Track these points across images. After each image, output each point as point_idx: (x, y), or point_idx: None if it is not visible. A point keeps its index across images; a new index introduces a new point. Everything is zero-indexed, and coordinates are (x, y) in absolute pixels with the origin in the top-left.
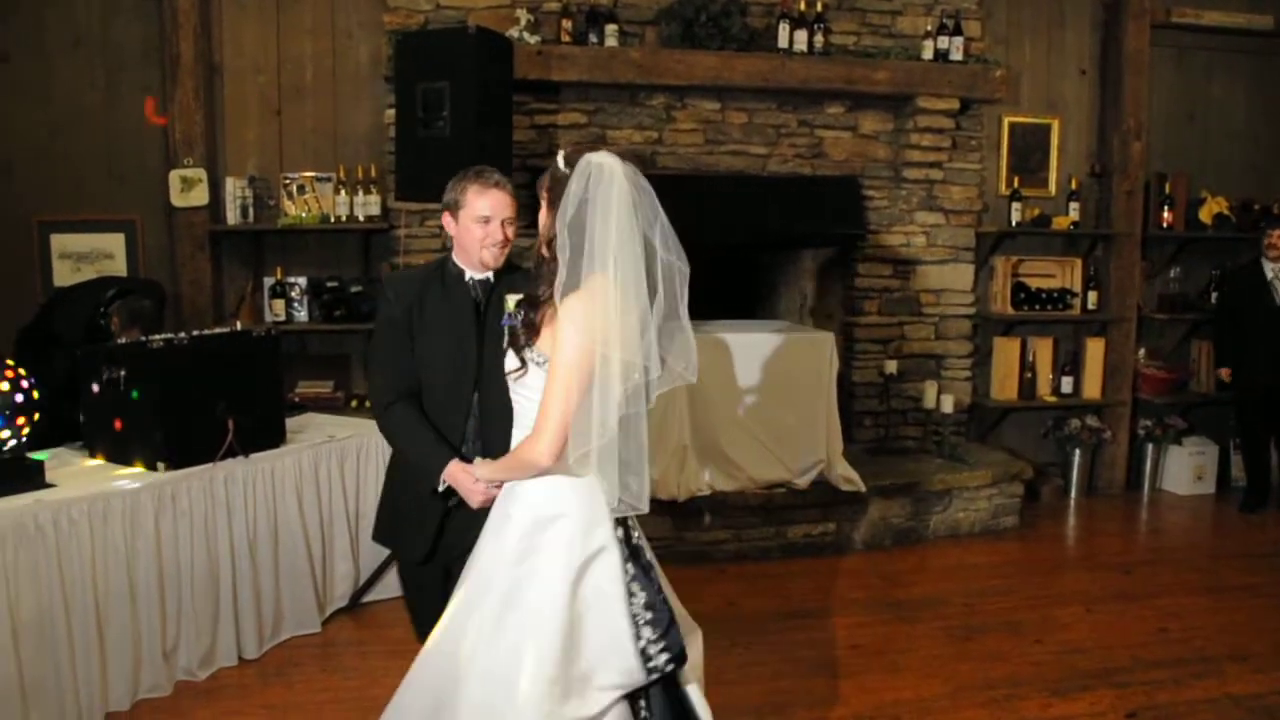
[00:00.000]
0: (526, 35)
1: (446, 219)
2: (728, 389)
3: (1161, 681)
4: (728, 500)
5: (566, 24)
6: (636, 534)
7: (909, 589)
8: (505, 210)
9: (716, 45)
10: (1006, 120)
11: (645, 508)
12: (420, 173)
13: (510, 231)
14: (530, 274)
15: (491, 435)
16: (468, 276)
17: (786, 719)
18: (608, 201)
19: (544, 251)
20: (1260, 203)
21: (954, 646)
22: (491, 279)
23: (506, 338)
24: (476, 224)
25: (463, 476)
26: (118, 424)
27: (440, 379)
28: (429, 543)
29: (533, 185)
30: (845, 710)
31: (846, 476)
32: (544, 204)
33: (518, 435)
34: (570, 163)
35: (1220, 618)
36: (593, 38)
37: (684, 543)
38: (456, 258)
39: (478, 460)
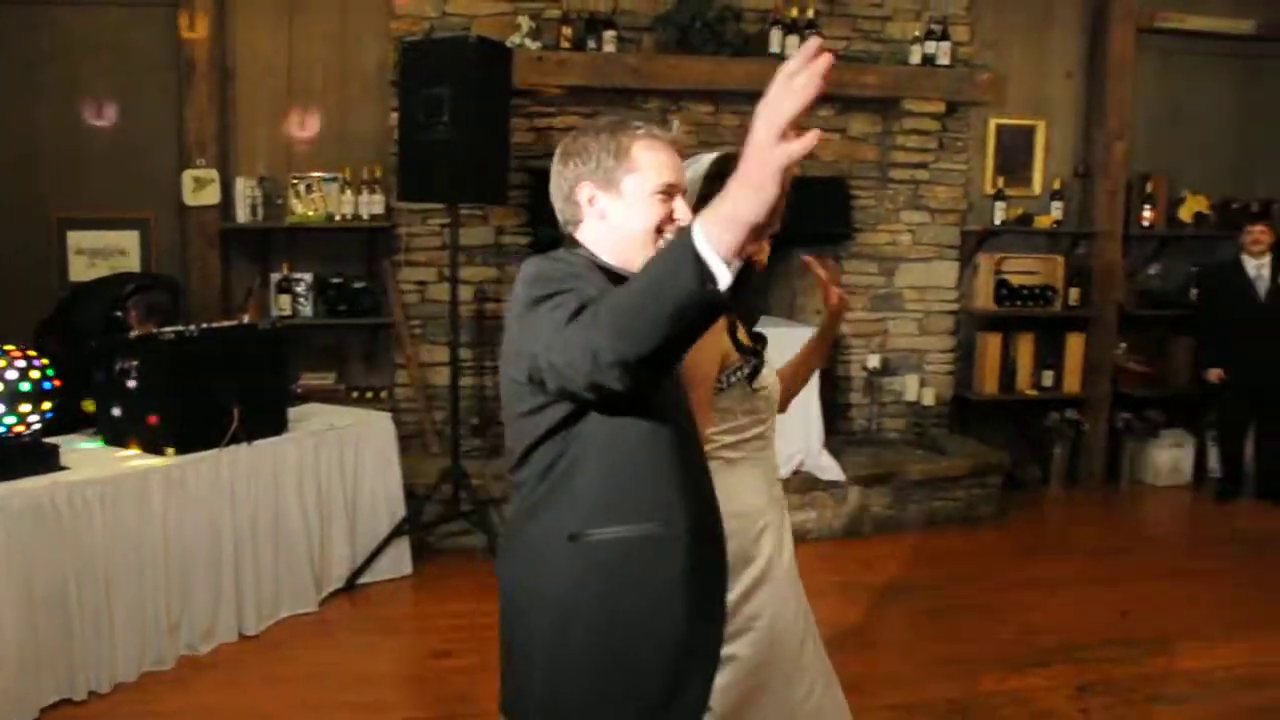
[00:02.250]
0: (527, 42)
1: (586, 194)
2: None
3: (1117, 659)
4: None
5: (566, 31)
6: None
7: (884, 574)
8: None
9: (711, 50)
10: (993, 122)
11: None
12: (421, 174)
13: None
14: None
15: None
16: None
17: None
18: None
19: None
20: (1239, 201)
21: (924, 627)
22: None
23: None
24: (657, 199)
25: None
26: (129, 412)
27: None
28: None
29: (535, 186)
30: None
31: (826, 466)
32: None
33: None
34: None
35: (1181, 600)
36: (591, 44)
37: None
38: (613, 260)
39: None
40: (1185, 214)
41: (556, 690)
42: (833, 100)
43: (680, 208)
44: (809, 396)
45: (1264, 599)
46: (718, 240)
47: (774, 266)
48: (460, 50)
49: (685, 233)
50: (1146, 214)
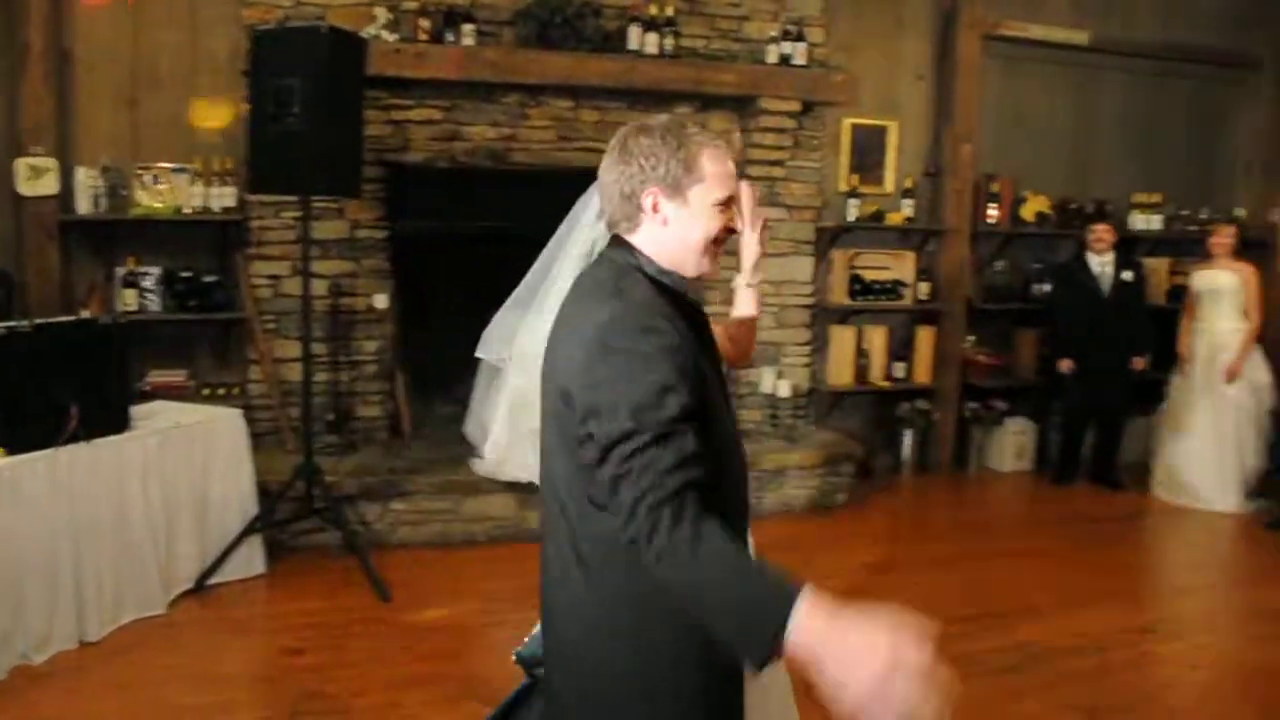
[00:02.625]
0: (384, 33)
1: (650, 200)
2: None
3: (956, 635)
4: None
5: (424, 23)
6: None
7: None
8: None
9: (570, 46)
10: (847, 121)
11: None
12: (272, 167)
13: None
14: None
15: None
16: (690, 296)
17: None
18: None
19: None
20: (1076, 202)
21: None
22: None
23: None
24: (717, 210)
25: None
26: None
27: (726, 460)
28: None
29: (392, 179)
30: None
31: None
32: None
33: None
34: None
35: (1018, 577)
36: (450, 36)
37: (528, 523)
38: (665, 264)
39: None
40: (1028, 213)
41: None
42: (691, 98)
43: (737, 220)
44: None
45: (1092, 575)
46: (800, 651)
47: None
48: (313, 40)
49: (784, 611)
50: (992, 212)
